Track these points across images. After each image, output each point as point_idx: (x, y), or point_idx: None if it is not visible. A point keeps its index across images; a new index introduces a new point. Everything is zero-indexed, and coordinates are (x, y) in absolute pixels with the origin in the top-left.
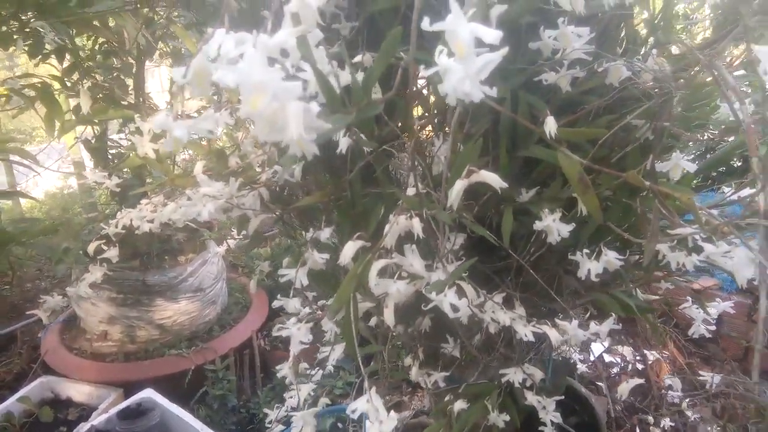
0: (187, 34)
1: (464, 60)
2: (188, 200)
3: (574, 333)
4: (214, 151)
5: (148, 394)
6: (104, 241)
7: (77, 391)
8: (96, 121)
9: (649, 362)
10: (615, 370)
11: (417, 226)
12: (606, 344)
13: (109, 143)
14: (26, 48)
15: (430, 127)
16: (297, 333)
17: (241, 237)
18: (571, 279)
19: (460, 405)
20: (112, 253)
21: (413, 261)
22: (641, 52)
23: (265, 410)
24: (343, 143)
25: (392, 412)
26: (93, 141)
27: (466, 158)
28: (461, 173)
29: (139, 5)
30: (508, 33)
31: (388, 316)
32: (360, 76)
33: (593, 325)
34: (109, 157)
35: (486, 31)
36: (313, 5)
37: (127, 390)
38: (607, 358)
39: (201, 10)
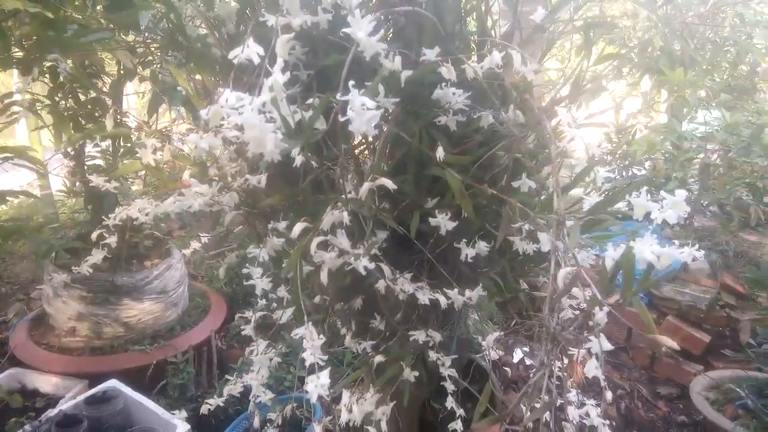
0: (179, 72)
1: (358, 115)
2: (181, 196)
3: (455, 298)
4: (197, 162)
5: (113, 383)
6: (105, 230)
7: (45, 382)
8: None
9: (564, 365)
10: (533, 372)
11: (345, 217)
12: (527, 349)
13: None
14: (20, 68)
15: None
16: (260, 283)
17: (200, 246)
18: (466, 268)
19: (378, 358)
20: (112, 239)
21: (342, 240)
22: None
23: (227, 377)
24: (298, 160)
25: (321, 335)
26: (72, 152)
27: (376, 171)
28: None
29: (133, 43)
30: (418, 87)
31: (323, 277)
32: (308, 114)
33: (467, 292)
34: (85, 167)
35: (368, 101)
36: (281, 82)
37: (93, 382)
38: (528, 361)
39: (189, 51)
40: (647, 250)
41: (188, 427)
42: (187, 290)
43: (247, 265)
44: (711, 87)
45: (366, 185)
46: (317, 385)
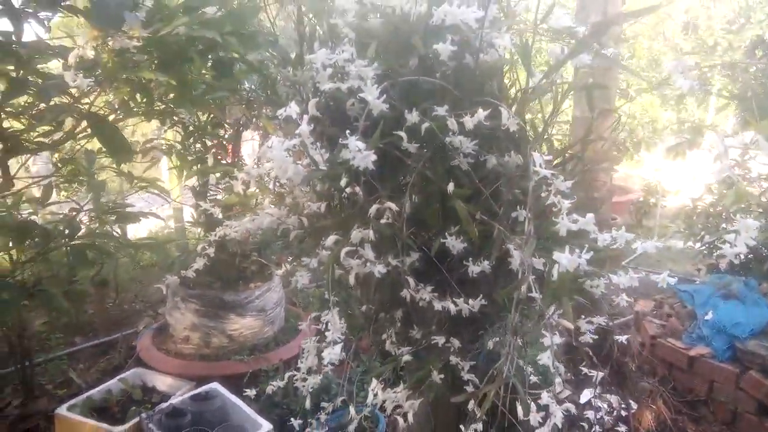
0: (270, 122)
1: (354, 154)
2: (256, 216)
3: (463, 306)
4: (277, 193)
5: (215, 386)
6: (207, 243)
7: (161, 381)
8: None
9: (632, 411)
10: (601, 414)
11: (371, 234)
12: (597, 391)
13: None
14: (160, 119)
15: None
16: (302, 279)
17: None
18: (483, 284)
19: (407, 357)
20: (211, 250)
21: (368, 252)
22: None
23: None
24: (346, 192)
25: (342, 320)
26: (198, 188)
27: (385, 199)
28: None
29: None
30: (445, 136)
31: (351, 280)
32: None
33: (470, 301)
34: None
35: (360, 144)
36: (306, 131)
37: (199, 383)
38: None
39: (275, 108)
40: (563, 258)
41: (270, 427)
42: (284, 312)
43: (299, 268)
44: None
45: (374, 207)
46: (330, 354)
